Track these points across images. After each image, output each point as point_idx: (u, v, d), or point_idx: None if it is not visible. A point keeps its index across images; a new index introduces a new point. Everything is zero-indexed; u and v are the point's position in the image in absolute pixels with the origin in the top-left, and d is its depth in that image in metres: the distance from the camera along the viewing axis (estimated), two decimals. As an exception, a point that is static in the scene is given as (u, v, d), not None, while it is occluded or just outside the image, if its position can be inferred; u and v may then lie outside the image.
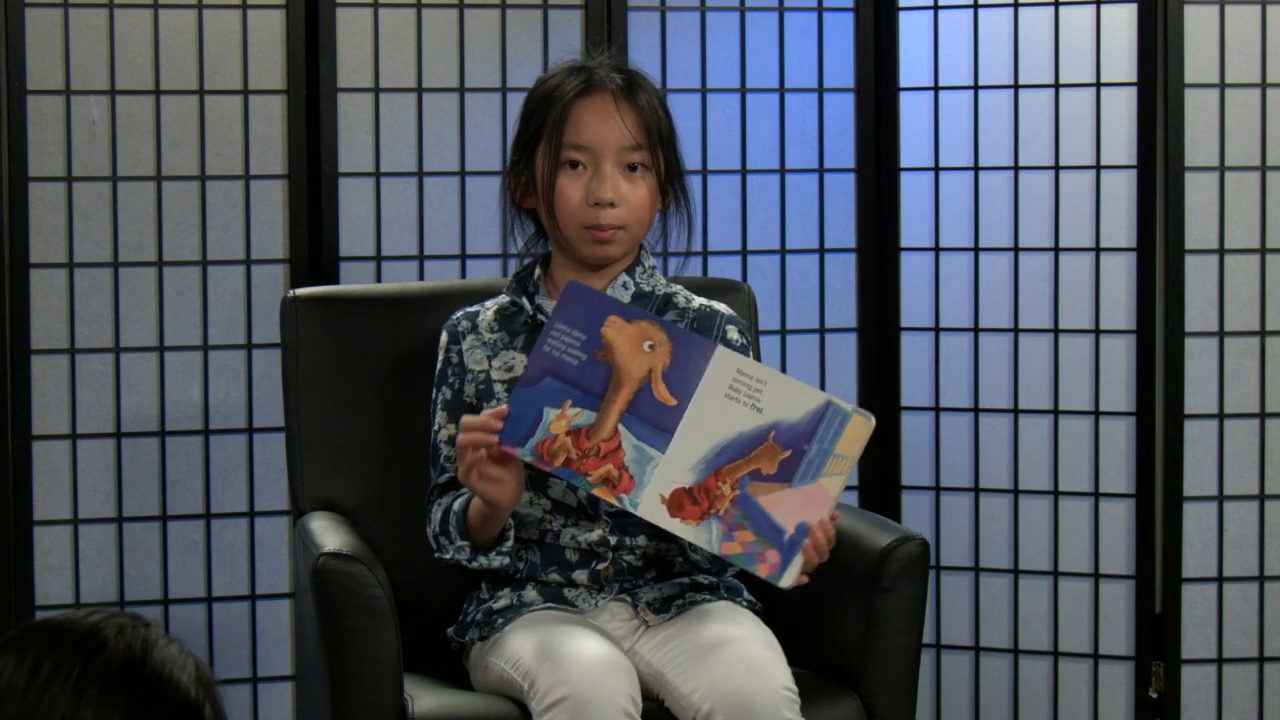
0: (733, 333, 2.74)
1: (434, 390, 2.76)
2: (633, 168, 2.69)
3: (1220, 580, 3.50)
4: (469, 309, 2.79)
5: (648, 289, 2.75)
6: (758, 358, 3.00)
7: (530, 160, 2.72)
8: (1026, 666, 3.57)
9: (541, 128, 2.70)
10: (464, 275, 3.45)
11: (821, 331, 3.61)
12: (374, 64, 3.42)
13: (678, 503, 2.45)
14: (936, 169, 3.59)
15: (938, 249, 3.60)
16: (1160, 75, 3.46)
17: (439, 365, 2.76)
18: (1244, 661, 3.51)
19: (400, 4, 3.42)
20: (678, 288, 2.79)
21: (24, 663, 1.37)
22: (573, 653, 2.50)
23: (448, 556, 2.67)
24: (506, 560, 2.63)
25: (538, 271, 2.77)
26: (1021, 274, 3.55)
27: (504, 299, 2.78)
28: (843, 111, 3.60)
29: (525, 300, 2.75)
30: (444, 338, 2.77)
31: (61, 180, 3.32)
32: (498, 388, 2.71)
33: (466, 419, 2.50)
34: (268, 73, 3.39)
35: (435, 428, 2.74)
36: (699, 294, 2.82)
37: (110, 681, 1.37)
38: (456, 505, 2.65)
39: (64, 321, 3.33)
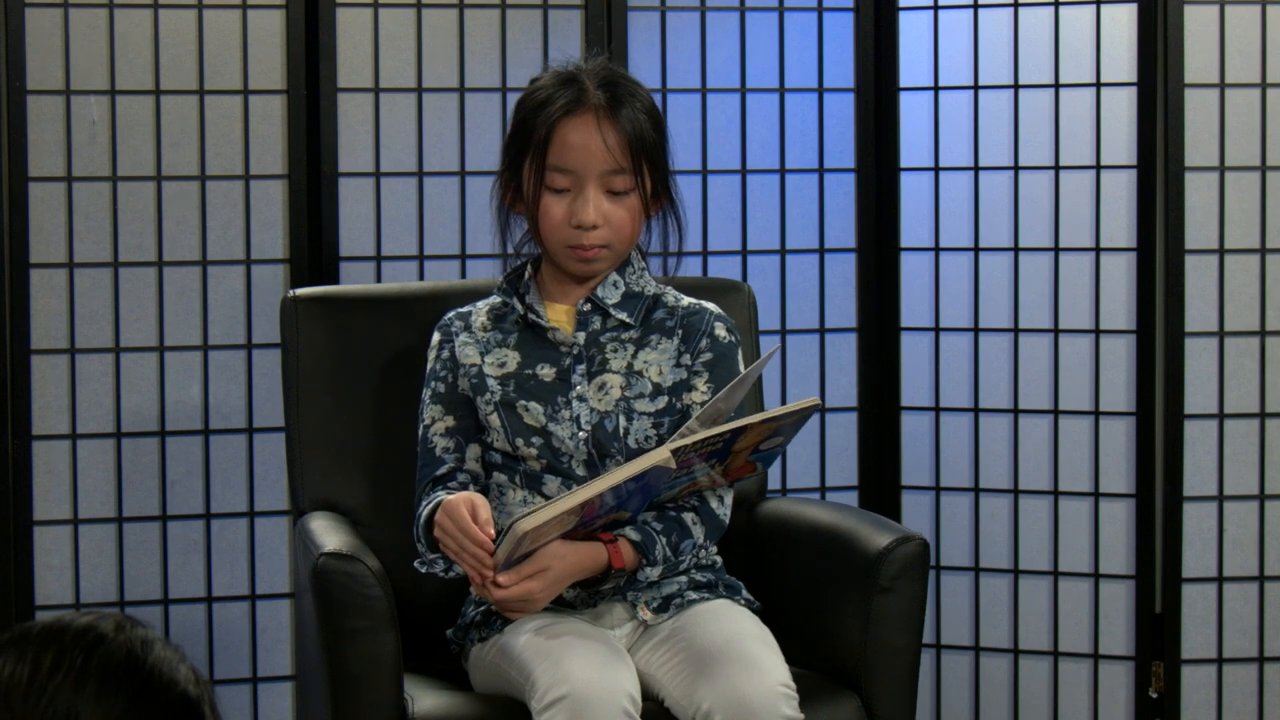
0: (720, 330, 2.75)
1: (424, 389, 2.77)
2: (616, 191, 2.70)
3: (1220, 580, 3.50)
4: (461, 310, 2.80)
5: (637, 289, 2.76)
6: (754, 355, 3.01)
7: (518, 170, 2.73)
8: (1026, 666, 3.57)
9: (527, 143, 2.71)
10: (464, 275, 3.45)
11: (821, 331, 3.61)
12: (374, 64, 3.42)
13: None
14: (936, 169, 3.59)
15: (938, 249, 3.60)
16: (1160, 75, 3.46)
17: (430, 363, 2.77)
18: (1244, 661, 3.51)
19: (400, 4, 3.42)
20: (666, 288, 2.80)
21: (25, 658, 1.37)
22: (572, 652, 2.50)
23: (423, 570, 2.67)
24: None
25: (528, 272, 2.78)
26: (1021, 274, 3.55)
27: (495, 299, 2.79)
28: (843, 111, 3.60)
29: (516, 301, 2.76)
30: (436, 337, 2.79)
31: (61, 180, 3.32)
32: (490, 381, 2.72)
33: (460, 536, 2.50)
34: (268, 73, 3.39)
35: (428, 421, 2.74)
36: (698, 294, 2.83)
37: (112, 673, 1.37)
38: (425, 514, 2.64)
39: (64, 321, 3.33)
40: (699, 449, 2.48)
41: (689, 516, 2.65)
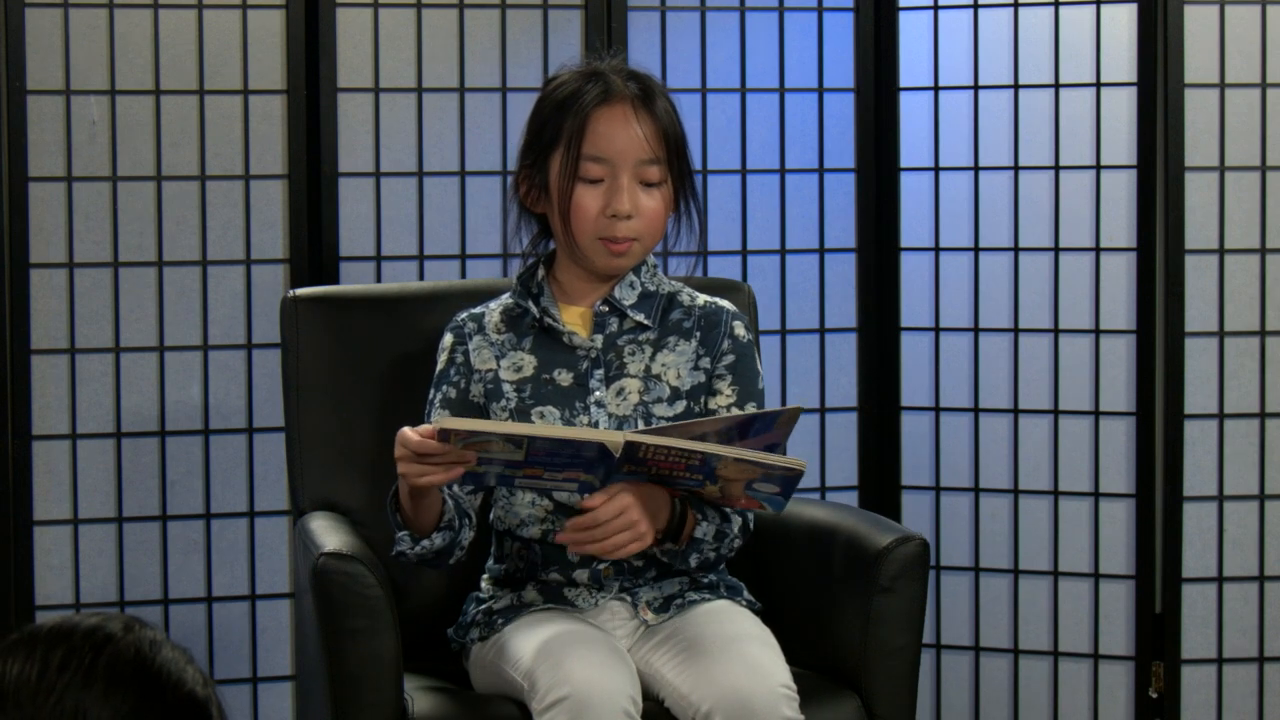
0: (739, 329, 2.74)
1: (432, 390, 2.75)
2: (649, 182, 2.68)
3: (1220, 580, 3.50)
4: (473, 310, 2.78)
5: (652, 288, 2.75)
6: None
7: (544, 166, 2.71)
8: (1026, 666, 3.57)
9: (557, 136, 2.68)
10: (464, 275, 3.45)
11: (821, 331, 3.61)
12: (374, 64, 3.42)
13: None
14: (936, 169, 3.59)
15: (938, 249, 3.60)
16: (1160, 75, 3.46)
17: (441, 365, 2.75)
18: (1244, 661, 3.51)
19: (400, 4, 3.42)
20: (680, 285, 2.79)
21: (34, 656, 1.37)
22: (573, 652, 2.50)
23: (403, 549, 2.61)
24: (448, 537, 2.59)
25: (541, 272, 2.76)
26: (1021, 274, 3.55)
27: (508, 300, 2.77)
28: (843, 111, 3.60)
29: (530, 303, 2.74)
30: (449, 338, 2.76)
31: (61, 180, 3.32)
32: (506, 387, 2.70)
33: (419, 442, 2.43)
34: (268, 73, 3.39)
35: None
36: (701, 293, 2.81)
37: (120, 672, 1.37)
38: (390, 499, 2.60)
39: (64, 321, 3.33)
40: (666, 455, 2.43)
41: (725, 509, 2.64)
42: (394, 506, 2.59)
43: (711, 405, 2.70)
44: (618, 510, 2.45)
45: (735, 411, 2.68)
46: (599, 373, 2.69)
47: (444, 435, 2.39)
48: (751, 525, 2.69)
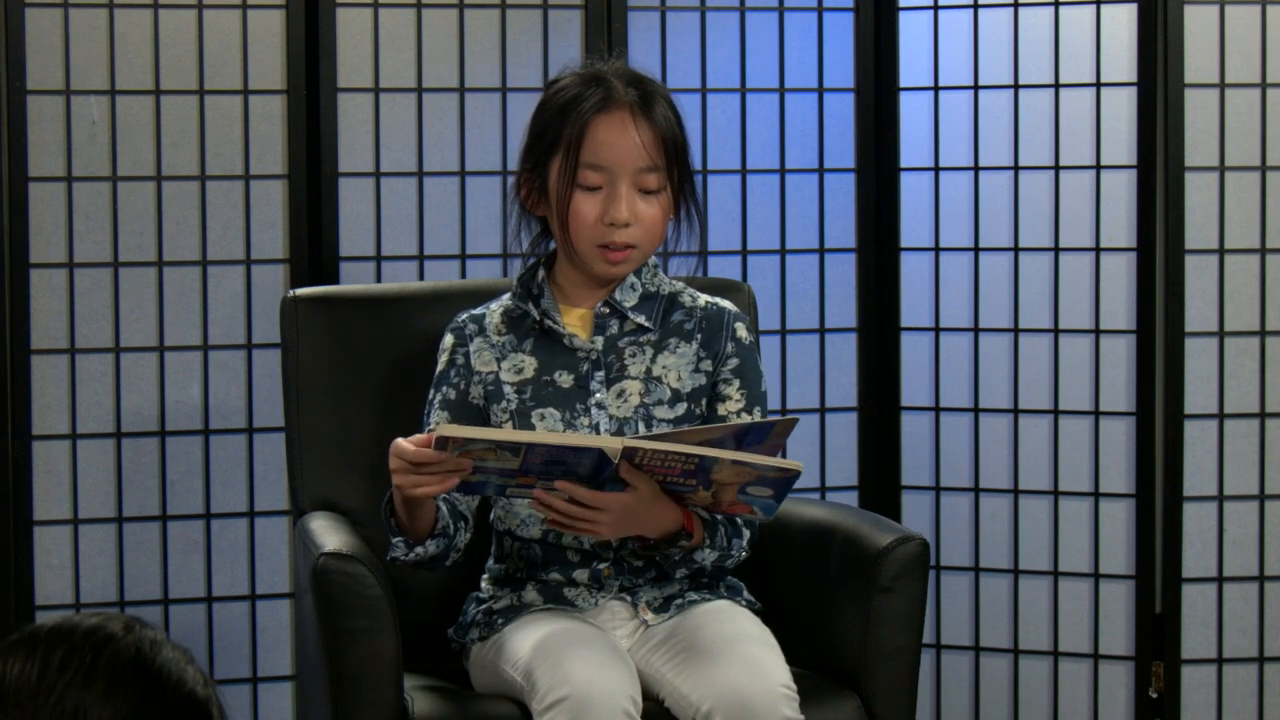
0: (741, 330, 2.74)
1: (432, 391, 2.75)
2: (648, 190, 2.68)
3: (1220, 580, 3.50)
4: (473, 311, 2.77)
5: (653, 289, 2.75)
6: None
7: (543, 170, 2.70)
8: (1026, 666, 3.57)
9: (557, 141, 2.67)
10: (464, 275, 3.45)
11: (821, 331, 3.61)
12: (374, 64, 3.42)
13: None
14: (936, 169, 3.59)
15: (938, 249, 3.60)
16: (1160, 75, 3.46)
17: (441, 366, 2.75)
18: (1244, 661, 3.51)
19: (400, 4, 3.42)
20: (681, 286, 2.79)
21: (34, 656, 1.37)
22: (573, 653, 2.50)
23: (398, 555, 2.61)
24: (441, 544, 2.60)
25: (541, 274, 2.76)
26: (1021, 274, 3.55)
27: (508, 301, 2.76)
28: (843, 111, 3.60)
29: (531, 305, 2.74)
30: (449, 339, 2.75)
31: (61, 180, 3.32)
32: (507, 389, 2.70)
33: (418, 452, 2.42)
34: (268, 73, 3.39)
35: (432, 426, 2.72)
36: (702, 293, 2.81)
37: (121, 672, 1.37)
38: (384, 504, 2.61)
39: (64, 321, 3.33)
40: (663, 460, 2.43)
41: (739, 529, 2.65)
42: (389, 513, 2.59)
43: (720, 410, 2.70)
44: (603, 505, 2.46)
45: (745, 416, 2.68)
46: (600, 374, 2.69)
47: (441, 443, 2.39)
48: (757, 538, 2.69)
